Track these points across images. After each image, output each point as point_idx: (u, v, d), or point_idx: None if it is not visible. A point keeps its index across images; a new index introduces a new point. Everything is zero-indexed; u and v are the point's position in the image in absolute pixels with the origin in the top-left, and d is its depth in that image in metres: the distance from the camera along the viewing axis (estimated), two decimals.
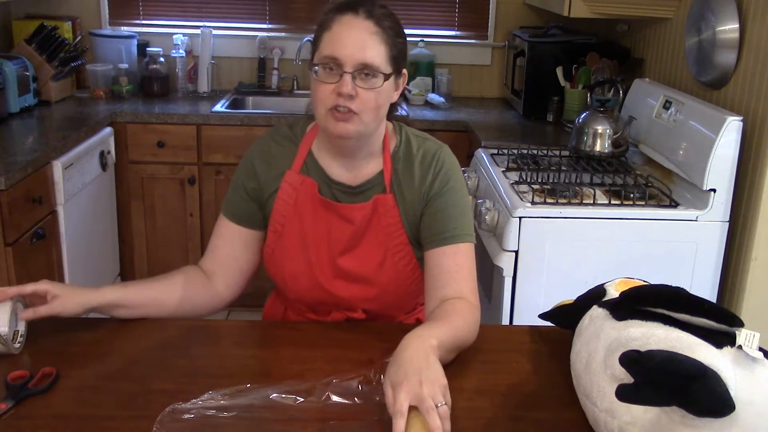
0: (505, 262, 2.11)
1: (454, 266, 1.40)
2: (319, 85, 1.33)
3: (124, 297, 1.38)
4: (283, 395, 1.12)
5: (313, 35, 1.41)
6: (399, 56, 1.37)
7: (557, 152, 2.63)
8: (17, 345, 1.27)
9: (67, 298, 1.31)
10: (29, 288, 1.30)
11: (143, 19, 3.68)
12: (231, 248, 1.49)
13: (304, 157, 1.46)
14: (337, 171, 1.46)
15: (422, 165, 1.45)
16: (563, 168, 2.48)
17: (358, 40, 1.31)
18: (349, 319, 1.48)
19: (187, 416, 1.07)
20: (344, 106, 1.32)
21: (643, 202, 2.18)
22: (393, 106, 1.46)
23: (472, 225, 1.46)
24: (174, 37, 3.57)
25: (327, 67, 1.32)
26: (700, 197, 2.16)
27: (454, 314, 1.31)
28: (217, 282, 1.49)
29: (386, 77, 1.34)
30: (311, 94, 1.38)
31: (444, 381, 1.10)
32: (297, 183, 1.45)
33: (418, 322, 1.55)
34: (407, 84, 3.49)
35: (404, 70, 1.42)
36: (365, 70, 1.31)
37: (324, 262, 1.45)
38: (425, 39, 3.65)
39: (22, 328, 1.29)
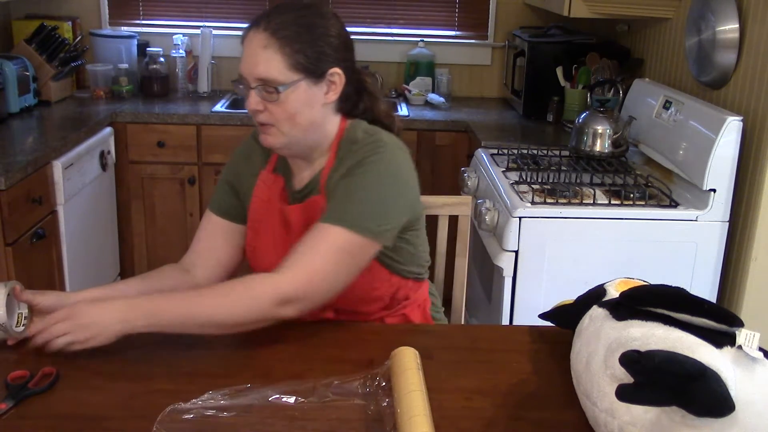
0: (505, 262, 2.11)
1: (309, 242, 1.30)
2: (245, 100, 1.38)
3: (100, 291, 1.42)
4: (283, 395, 1.12)
5: None
6: (309, 60, 1.34)
7: (557, 152, 2.63)
8: (21, 328, 1.27)
9: (46, 293, 1.36)
10: None
11: (143, 19, 3.68)
12: (212, 240, 1.53)
13: (277, 157, 1.50)
14: (297, 172, 1.48)
15: (351, 157, 1.39)
16: (563, 168, 2.48)
17: (251, 56, 1.34)
18: (323, 320, 1.47)
19: (187, 416, 1.07)
20: (259, 121, 1.36)
21: (643, 202, 2.18)
22: (354, 103, 1.46)
23: (369, 218, 1.32)
24: (174, 37, 3.57)
25: (240, 84, 1.37)
26: (700, 197, 2.16)
27: (215, 290, 1.29)
28: (197, 274, 1.51)
29: (290, 85, 1.32)
30: None
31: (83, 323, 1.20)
32: (270, 182, 1.49)
33: (404, 318, 1.53)
34: (407, 84, 3.53)
35: (333, 69, 1.37)
36: (263, 85, 1.33)
37: None
38: (425, 39, 3.65)
39: (25, 310, 1.29)
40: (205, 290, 1.30)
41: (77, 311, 1.22)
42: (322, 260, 1.28)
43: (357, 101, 1.47)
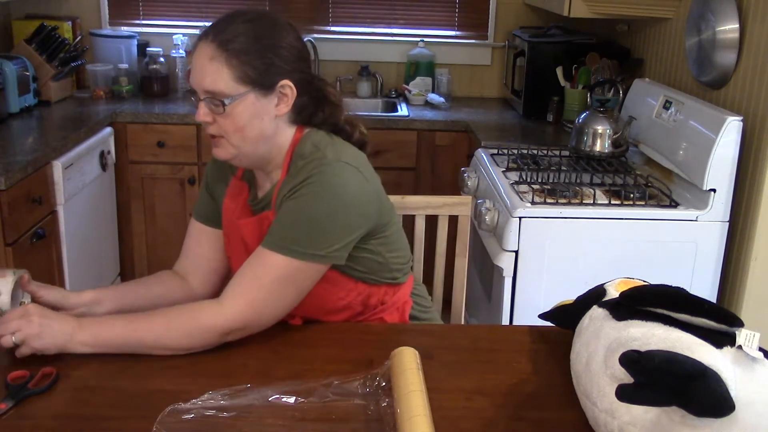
0: (505, 262, 2.11)
1: (252, 269, 1.31)
2: None
3: (100, 293, 1.43)
4: (283, 395, 1.12)
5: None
6: (257, 72, 1.32)
7: (557, 152, 2.63)
8: None
9: (49, 287, 1.37)
10: None
11: (143, 19, 3.68)
12: (200, 248, 1.54)
13: None
14: (260, 182, 1.47)
15: (297, 175, 1.35)
16: (563, 168, 2.48)
17: (198, 67, 1.33)
18: (317, 321, 1.46)
19: (187, 416, 1.07)
20: (209, 132, 1.36)
21: (643, 202, 2.18)
22: (312, 113, 1.42)
23: (311, 242, 1.30)
24: (174, 37, 3.57)
25: (193, 96, 1.37)
26: (700, 197, 2.16)
27: (163, 316, 1.28)
28: (192, 282, 1.53)
29: (236, 98, 1.31)
30: None
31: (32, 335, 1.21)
32: (237, 189, 1.48)
33: (381, 321, 1.51)
34: (407, 84, 3.53)
35: (284, 81, 1.34)
36: (210, 97, 1.32)
37: None
38: (425, 39, 3.65)
39: (28, 299, 1.30)
40: (154, 315, 1.29)
41: (34, 311, 1.23)
42: (265, 290, 1.29)
43: (315, 111, 1.42)
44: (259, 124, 1.35)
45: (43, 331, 1.21)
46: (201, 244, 1.54)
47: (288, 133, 1.40)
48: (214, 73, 1.30)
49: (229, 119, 1.32)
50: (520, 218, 2.09)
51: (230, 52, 1.31)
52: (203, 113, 1.33)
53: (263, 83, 1.33)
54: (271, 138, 1.38)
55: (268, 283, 1.29)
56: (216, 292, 1.52)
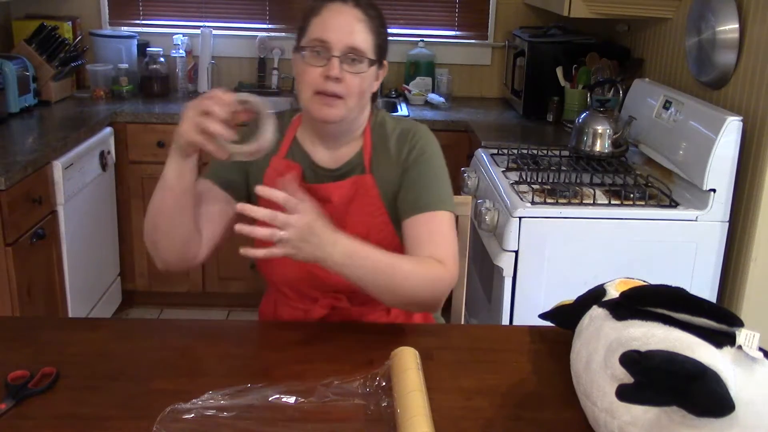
0: (505, 262, 2.11)
1: (427, 234, 1.40)
2: (307, 68, 1.38)
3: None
4: (283, 395, 1.12)
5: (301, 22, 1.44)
6: (383, 46, 1.44)
7: (557, 152, 2.63)
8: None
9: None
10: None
11: (143, 19, 3.68)
12: (210, 208, 1.43)
13: (290, 144, 1.51)
14: (321, 155, 1.50)
15: (398, 141, 1.48)
16: (563, 168, 2.48)
17: (346, 25, 1.37)
18: (335, 308, 1.47)
19: (187, 416, 1.07)
20: (331, 90, 1.36)
21: (643, 202, 2.18)
22: (374, 96, 1.53)
23: (450, 195, 1.46)
24: (174, 37, 3.57)
25: (315, 50, 1.37)
26: (700, 197, 2.16)
27: (406, 258, 1.34)
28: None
29: (371, 63, 1.40)
30: (297, 78, 1.44)
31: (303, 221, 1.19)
32: (283, 168, 1.48)
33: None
34: (407, 84, 3.53)
35: (385, 62, 1.48)
36: (352, 55, 1.37)
37: None
38: (425, 39, 3.65)
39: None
40: (405, 260, 1.34)
41: (313, 222, 1.21)
42: (454, 246, 1.40)
43: (373, 99, 1.55)
44: (368, 93, 1.45)
45: (311, 245, 1.20)
46: (210, 206, 1.43)
47: (368, 109, 1.51)
48: (364, 35, 1.38)
49: (358, 80, 1.39)
50: (520, 218, 2.09)
51: (373, 21, 1.41)
52: (339, 69, 1.36)
53: (379, 58, 1.44)
54: (363, 109, 1.47)
55: (453, 240, 1.41)
56: (204, 260, 1.44)
